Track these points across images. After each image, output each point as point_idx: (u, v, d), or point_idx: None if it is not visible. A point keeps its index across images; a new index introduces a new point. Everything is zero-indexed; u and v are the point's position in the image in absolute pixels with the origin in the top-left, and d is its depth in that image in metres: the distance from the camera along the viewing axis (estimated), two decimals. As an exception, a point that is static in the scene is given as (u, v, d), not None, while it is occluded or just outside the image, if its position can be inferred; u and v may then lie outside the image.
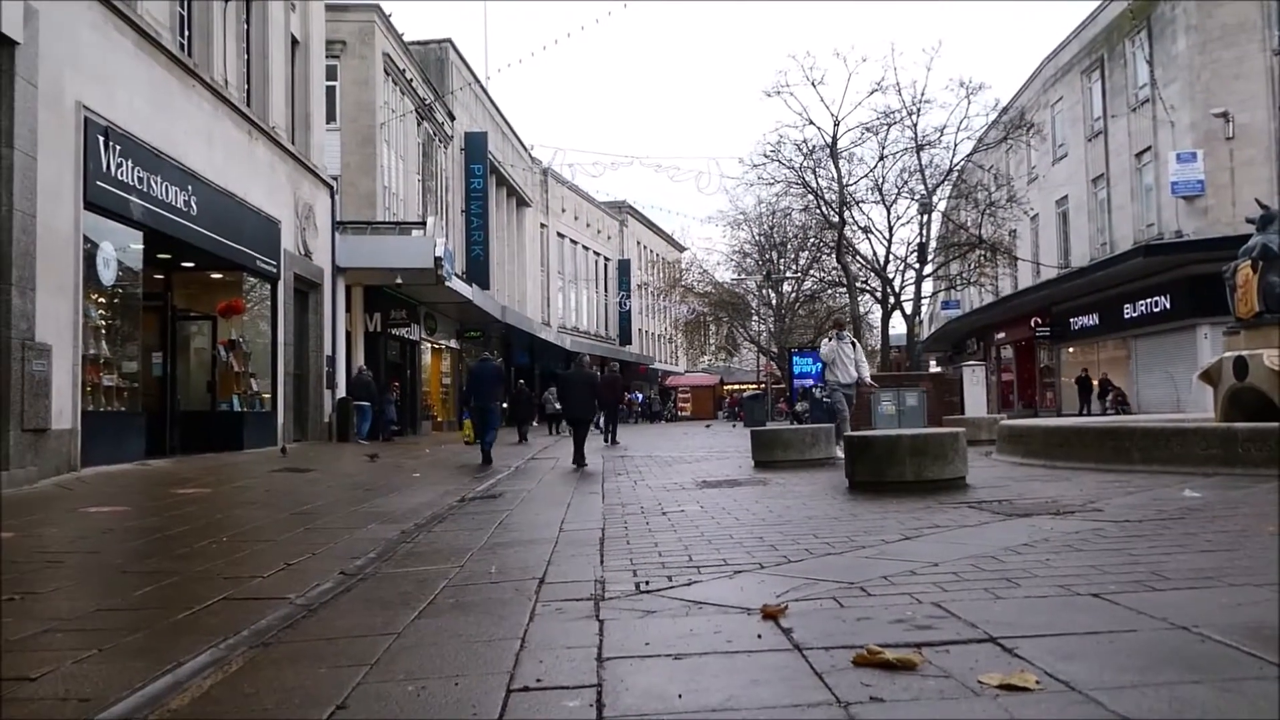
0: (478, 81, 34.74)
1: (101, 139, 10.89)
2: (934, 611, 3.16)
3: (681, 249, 59.17)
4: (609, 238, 55.87)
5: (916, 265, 29.34)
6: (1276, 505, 5.46)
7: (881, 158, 28.99)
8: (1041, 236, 33.47)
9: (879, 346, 33.17)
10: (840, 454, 9.71)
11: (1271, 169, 22.16)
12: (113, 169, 11.18)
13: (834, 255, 30.65)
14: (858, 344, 12.97)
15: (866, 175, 29.60)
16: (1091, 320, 28.56)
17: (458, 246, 30.52)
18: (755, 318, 41.73)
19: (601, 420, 20.02)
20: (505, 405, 22.08)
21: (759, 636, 2.97)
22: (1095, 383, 26.90)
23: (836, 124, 28.67)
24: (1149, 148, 25.58)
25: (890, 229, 29.57)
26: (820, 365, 13.72)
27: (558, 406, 29.00)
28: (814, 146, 28.80)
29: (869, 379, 12.99)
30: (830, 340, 12.86)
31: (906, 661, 2.54)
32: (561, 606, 3.59)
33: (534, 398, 31.48)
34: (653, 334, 62.71)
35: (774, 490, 7.79)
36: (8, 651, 3.28)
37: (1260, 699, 2.20)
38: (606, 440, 20.08)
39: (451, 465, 13.29)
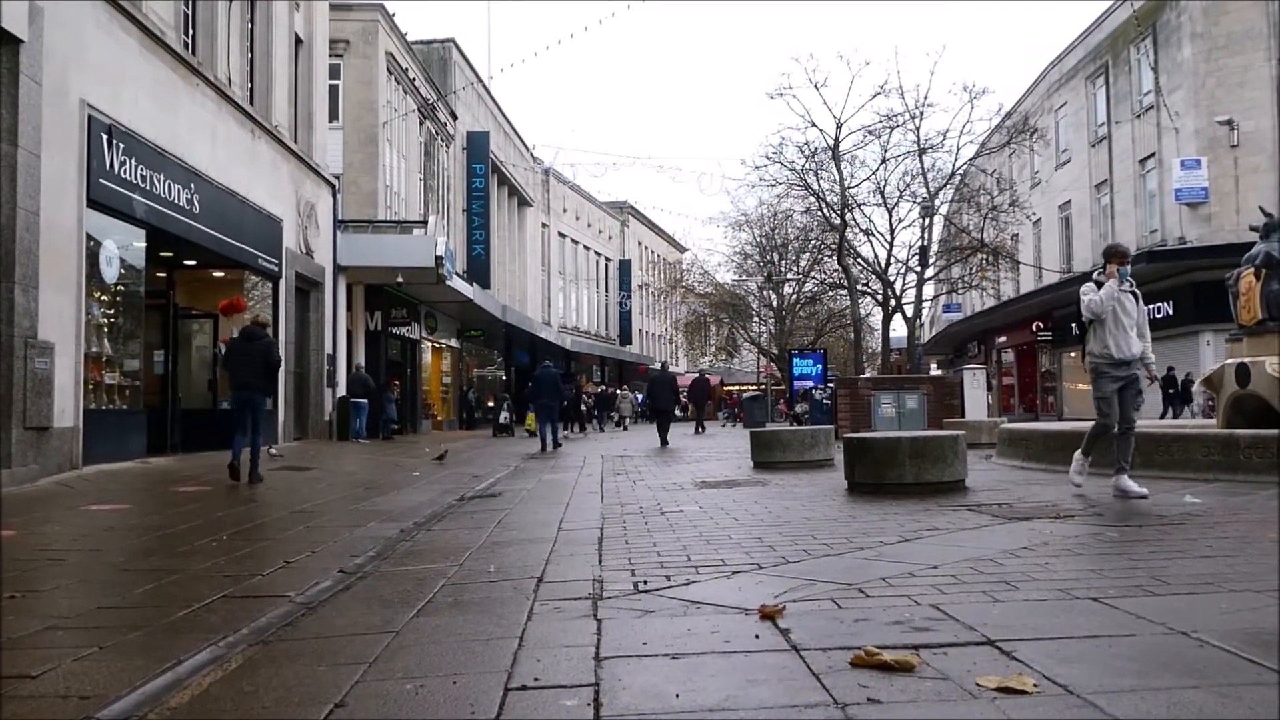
0: (480, 81, 34.75)
1: (105, 137, 10.90)
2: (932, 614, 3.17)
3: (683, 250, 59.11)
4: (610, 238, 55.83)
5: (918, 268, 29.31)
6: (1277, 512, 5.46)
7: (884, 161, 28.94)
8: (1044, 241, 33.44)
9: (880, 349, 33.10)
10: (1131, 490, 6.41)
11: (1275, 176, 22.12)
12: (116, 167, 11.19)
13: (835, 257, 30.59)
14: (1140, 296, 7.03)
15: (868, 178, 29.59)
16: (1093, 325, 28.49)
17: (459, 246, 30.53)
18: (756, 319, 41.70)
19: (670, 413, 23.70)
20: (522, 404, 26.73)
21: (756, 637, 2.97)
22: (1179, 382, 22.94)
23: (839, 126, 28.63)
24: (1153, 154, 25.55)
25: (892, 232, 29.53)
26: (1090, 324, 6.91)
27: (582, 409, 29.73)
28: (816, 149, 28.74)
29: (1153, 361, 6.99)
30: (1107, 281, 6.78)
31: (904, 663, 2.54)
32: (559, 606, 3.59)
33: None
34: (653, 334, 62.67)
35: (773, 491, 7.79)
36: (9, 649, 3.29)
37: (1259, 705, 2.20)
38: (696, 430, 25.12)
39: (451, 463, 13.29)
